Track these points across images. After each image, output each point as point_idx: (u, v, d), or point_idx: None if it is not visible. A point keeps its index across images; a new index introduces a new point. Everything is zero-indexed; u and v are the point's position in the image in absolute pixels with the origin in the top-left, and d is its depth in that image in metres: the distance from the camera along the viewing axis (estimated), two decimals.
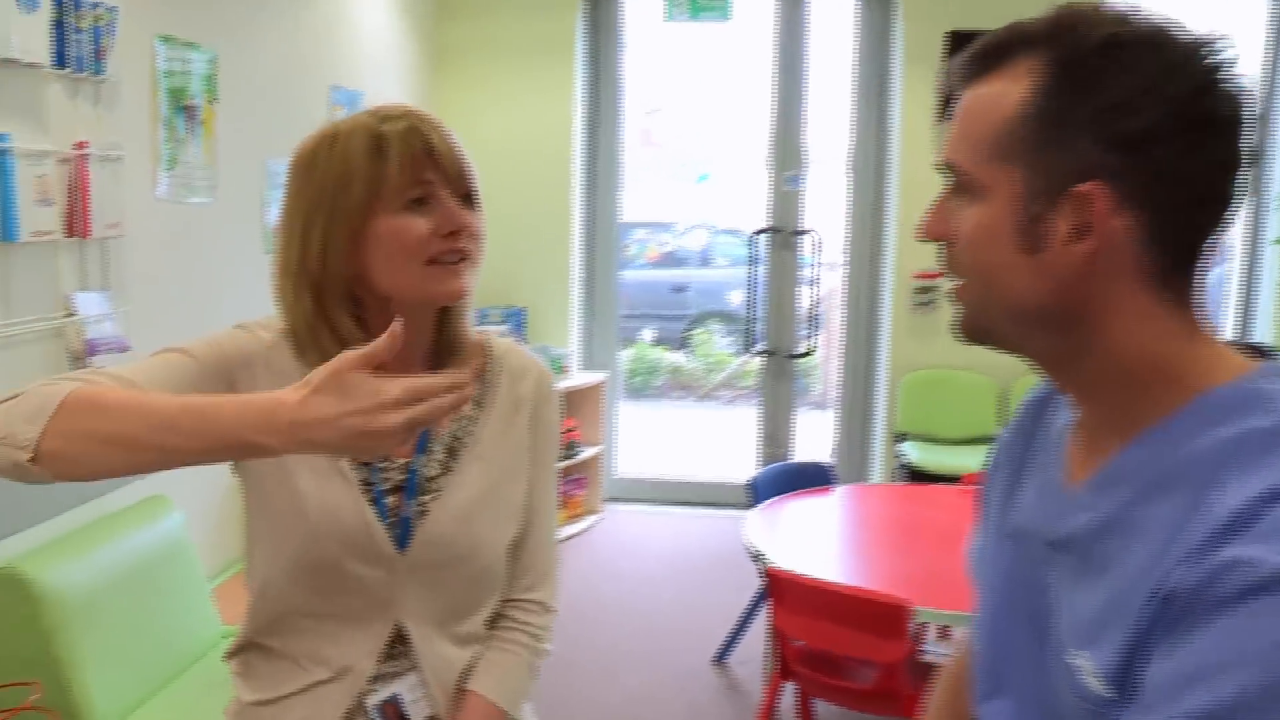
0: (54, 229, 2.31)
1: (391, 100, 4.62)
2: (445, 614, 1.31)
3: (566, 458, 4.98)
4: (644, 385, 8.53)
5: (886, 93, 5.09)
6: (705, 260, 9.26)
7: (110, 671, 2.22)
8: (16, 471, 1.01)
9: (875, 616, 2.43)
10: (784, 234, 5.22)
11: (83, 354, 2.39)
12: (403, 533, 1.27)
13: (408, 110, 1.22)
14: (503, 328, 5.03)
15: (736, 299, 7.07)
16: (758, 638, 3.50)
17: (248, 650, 1.33)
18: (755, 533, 3.06)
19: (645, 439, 6.91)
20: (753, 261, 5.27)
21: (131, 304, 2.60)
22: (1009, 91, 0.81)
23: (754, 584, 3.47)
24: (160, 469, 1.02)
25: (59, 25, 2.31)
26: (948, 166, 0.85)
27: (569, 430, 5.03)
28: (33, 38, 2.23)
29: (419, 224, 1.20)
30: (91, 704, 2.17)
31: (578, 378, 5.17)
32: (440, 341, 1.33)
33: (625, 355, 8.20)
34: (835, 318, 5.37)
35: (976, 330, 0.88)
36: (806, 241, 5.21)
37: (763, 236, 5.24)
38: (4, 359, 2.23)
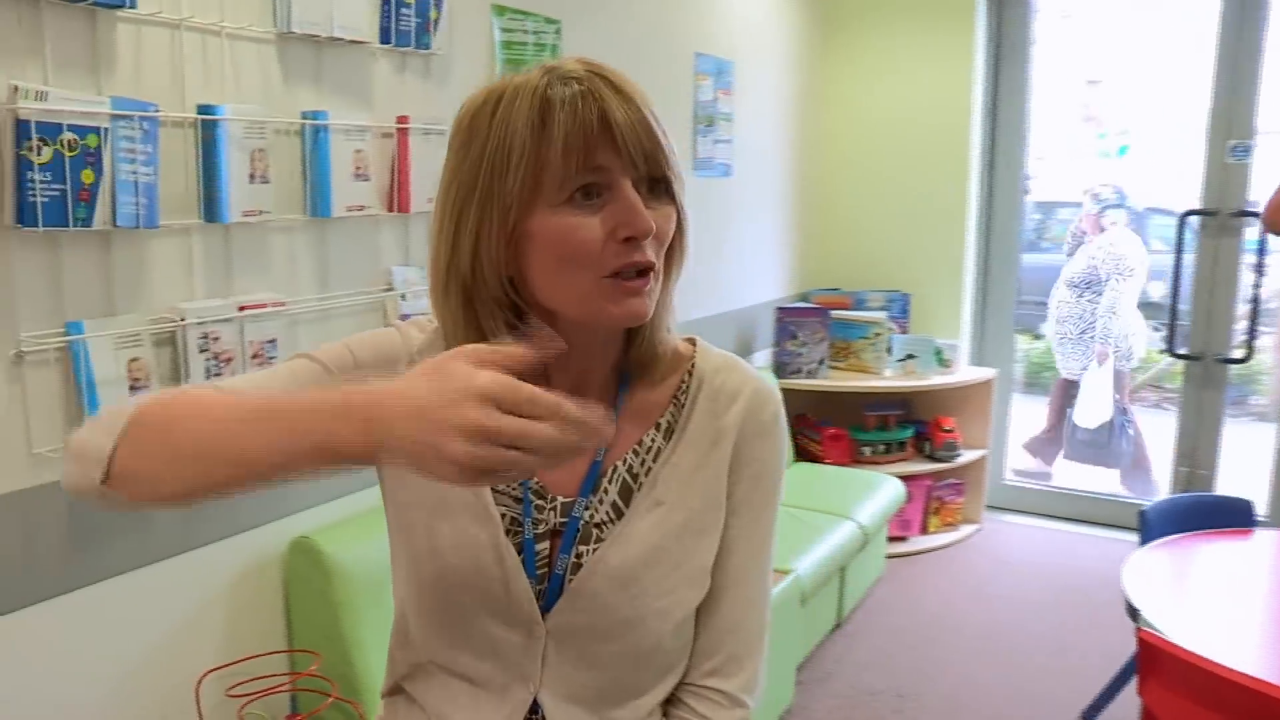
0: (370, 204, 2.32)
1: (766, 72, 4.41)
2: (597, 695, 1.04)
3: (942, 459, 4.52)
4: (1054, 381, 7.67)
5: None
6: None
7: None
8: (96, 495, 0.88)
9: None
10: (1221, 215, 4.36)
11: None
12: (551, 590, 1.02)
13: (587, 66, 0.95)
14: (880, 314, 4.66)
15: (1158, 289, 6.12)
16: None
17: (395, 695, 1.15)
18: (1136, 578, 2.52)
19: None
20: (1179, 247, 4.46)
21: None
22: None
23: None
24: (242, 486, 0.84)
25: (386, 1, 2.31)
26: None
27: (947, 430, 4.56)
28: (357, 15, 2.23)
29: (587, 226, 0.93)
30: (372, 681, 2.16)
31: (963, 373, 4.68)
32: (628, 355, 1.05)
33: (1036, 346, 7.44)
34: None
35: None
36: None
37: (1193, 218, 4.40)
38: (321, 331, 2.28)
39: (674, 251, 1.01)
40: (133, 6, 1.81)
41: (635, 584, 1.01)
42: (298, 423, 0.80)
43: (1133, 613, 2.36)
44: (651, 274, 0.96)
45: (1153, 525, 2.82)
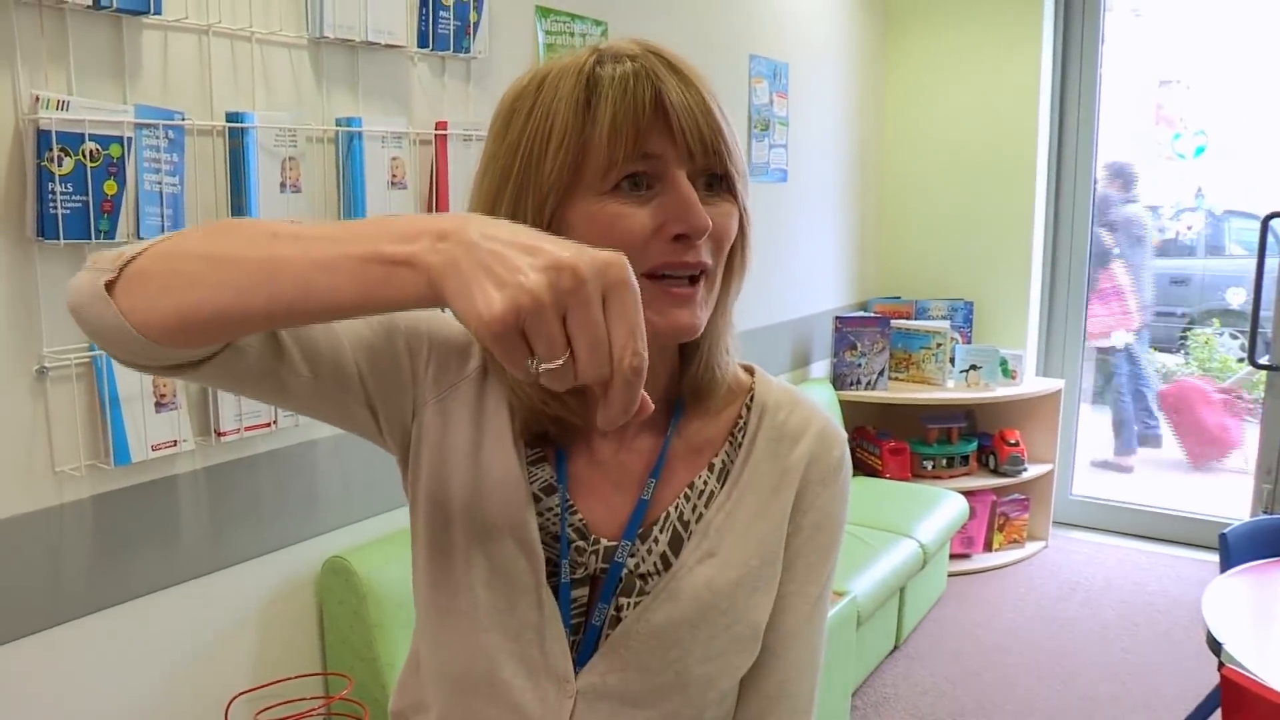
0: (409, 212, 2.25)
1: (824, 74, 4.27)
2: None
3: (1007, 474, 4.35)
4: None
5: None
6: (1217, 249, 7.85)
7: None
8: (95, 302, 0.73)
9: None
10: None
11: None
12: (586, 643, 0.91)
13: (643, 45, 0.85)
14: (942, 323, 4.51)
15: (1238, 297, 5.85)
16: None
17: None
18: (1217, 608, 2.36)
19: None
20: (1262, 251, 4.24)
21: None
22: None
23: None
24: (271, 306, 0.68)
25: (424, 4, 2.24)
26: None
27: (1012, 444, 4.39)
28: (393, 19, 2.17)
29: (634, 216, 0.82)
30: None
31: (1029, 384, 4.52)
32: (684, 380, 0.94)
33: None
34: None
35: None
36: None
37: (1277, 221, 4.18)
38: None
39: (734, 259, 0.90)
40: (158, 13, 1.75)
41: (679, 646, 0.90)
42: (361, 230, 0.67)
43: (1214, 646, 2.21)
44: (704, 281, 0.85)
45: (1234, 550, 2.65)
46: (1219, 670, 2.04)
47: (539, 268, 0.59)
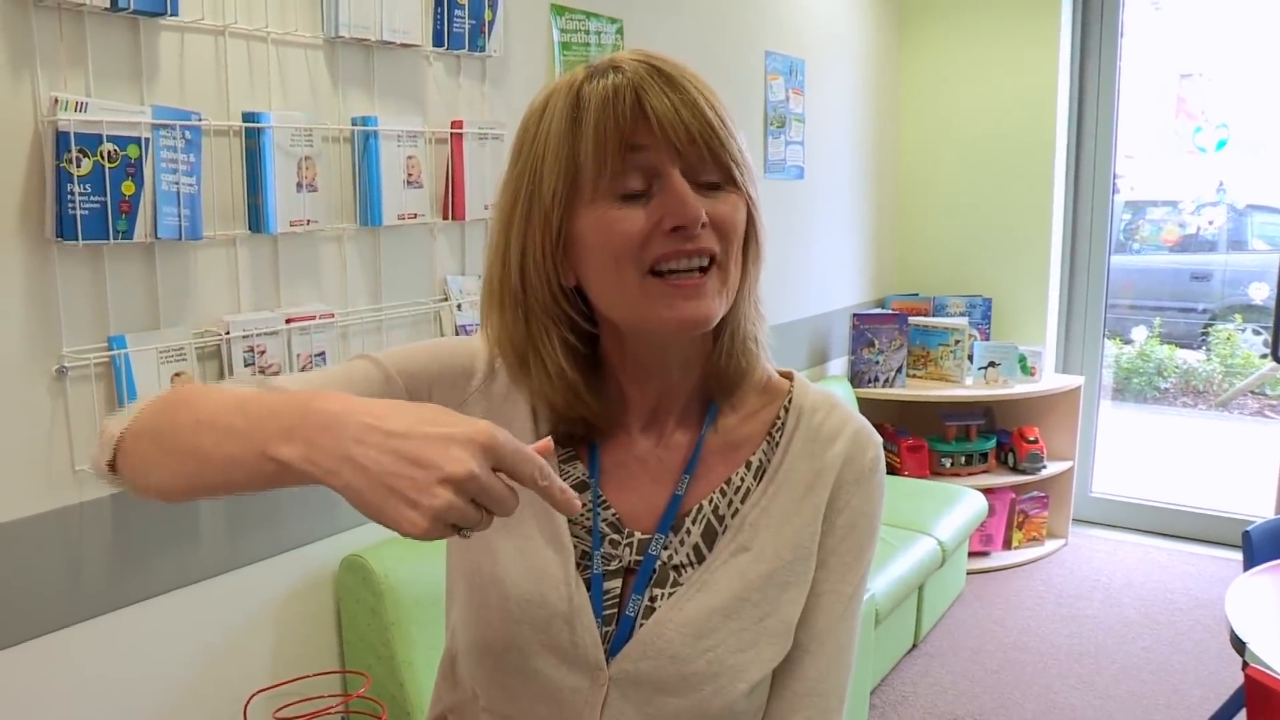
0: (424, 212, 2.25)
1: (840, 70, 4.26)
2: None
3: (1026, 471, 4.33)
4: (1146, 388, 7.38)
5: None
6: (1239, 243, 7.79)
7: None
8: (108, 479, 0.86)
9: None
10: None
11: None
12: (620, 634, 0.94)
13: (638, 57, 0.88)
14: (960, 320, 4.49)
15: (1260, 292, 5.79)
16: None
17: None
18: (1240, 607, 2.33)
19: (1137, 452, 5.93)
20: None
21: None
22: None
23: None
24: (208, 487, 0.78)
25: (439, 4, 2.24)
26: None
27: (1031, 441, 4.37)
28: (408, 18, 2.17)
29: (630, 218, 0.86)
30: (422, 703, 2.09)
31: (1048, 381, 4.49)
32: (712, 374, 0.97)
33: (1126, 352, 7.16)
34: None
35: None
36: None
37: None
38: (374, 343, 2.22)
39: (749, 249, 0.93)
40: (175, 14, 1.76)
41: (711, 635, 0.92)
42: (254, 426, 0.73)
43: (1238, 645, 2.18)
44: (715, 270, 0.88)
45: (1258, 548, 2.62)
46: (1243, 670, 2.02)
47: (440, 481, 0.65)
